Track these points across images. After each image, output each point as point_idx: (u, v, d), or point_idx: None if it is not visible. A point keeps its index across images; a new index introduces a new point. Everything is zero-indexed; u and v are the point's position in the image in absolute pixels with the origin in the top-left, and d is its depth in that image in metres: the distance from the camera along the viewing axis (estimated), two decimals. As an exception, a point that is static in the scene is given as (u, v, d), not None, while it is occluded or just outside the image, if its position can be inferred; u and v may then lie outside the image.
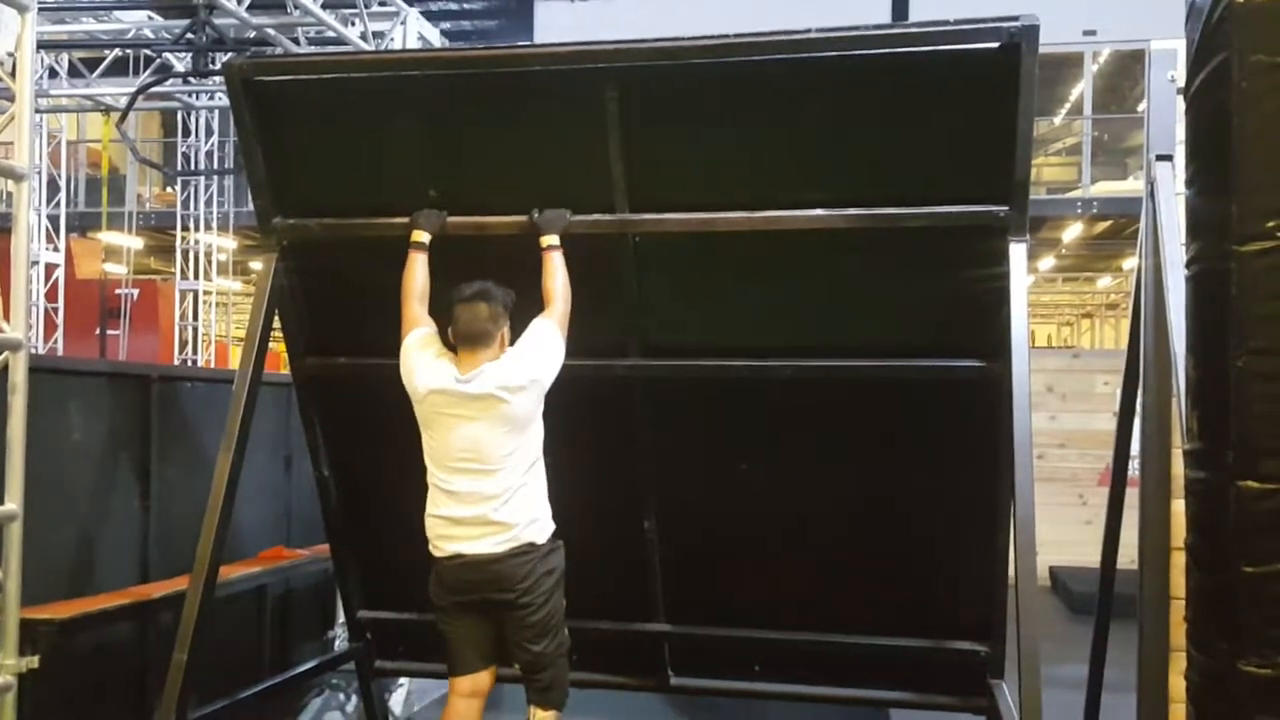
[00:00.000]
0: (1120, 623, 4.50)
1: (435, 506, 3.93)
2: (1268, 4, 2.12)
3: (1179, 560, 3.45)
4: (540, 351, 3.90)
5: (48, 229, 13.69)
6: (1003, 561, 4.30)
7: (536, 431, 3.93)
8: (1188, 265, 2.40)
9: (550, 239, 4.08)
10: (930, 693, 4.75)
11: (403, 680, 6.02)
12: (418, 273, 4.14)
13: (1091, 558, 4.71)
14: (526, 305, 4.00)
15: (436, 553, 3.94)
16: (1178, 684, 3.56)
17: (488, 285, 3.92)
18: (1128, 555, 4.40)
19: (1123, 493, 4.58)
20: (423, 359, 3.92)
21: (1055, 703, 4.86)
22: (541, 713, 3.95)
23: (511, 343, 3.94)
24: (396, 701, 6.04)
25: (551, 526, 3.96)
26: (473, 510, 3.83)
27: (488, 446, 3.82)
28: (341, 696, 5.92)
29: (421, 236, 4.18)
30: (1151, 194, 4.12)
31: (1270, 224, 2.12)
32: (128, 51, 11.84)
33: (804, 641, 4.75)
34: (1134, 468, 4.49)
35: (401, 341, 4.03)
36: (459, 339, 3.89)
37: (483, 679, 4.01)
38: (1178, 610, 3.73)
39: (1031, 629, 3.61)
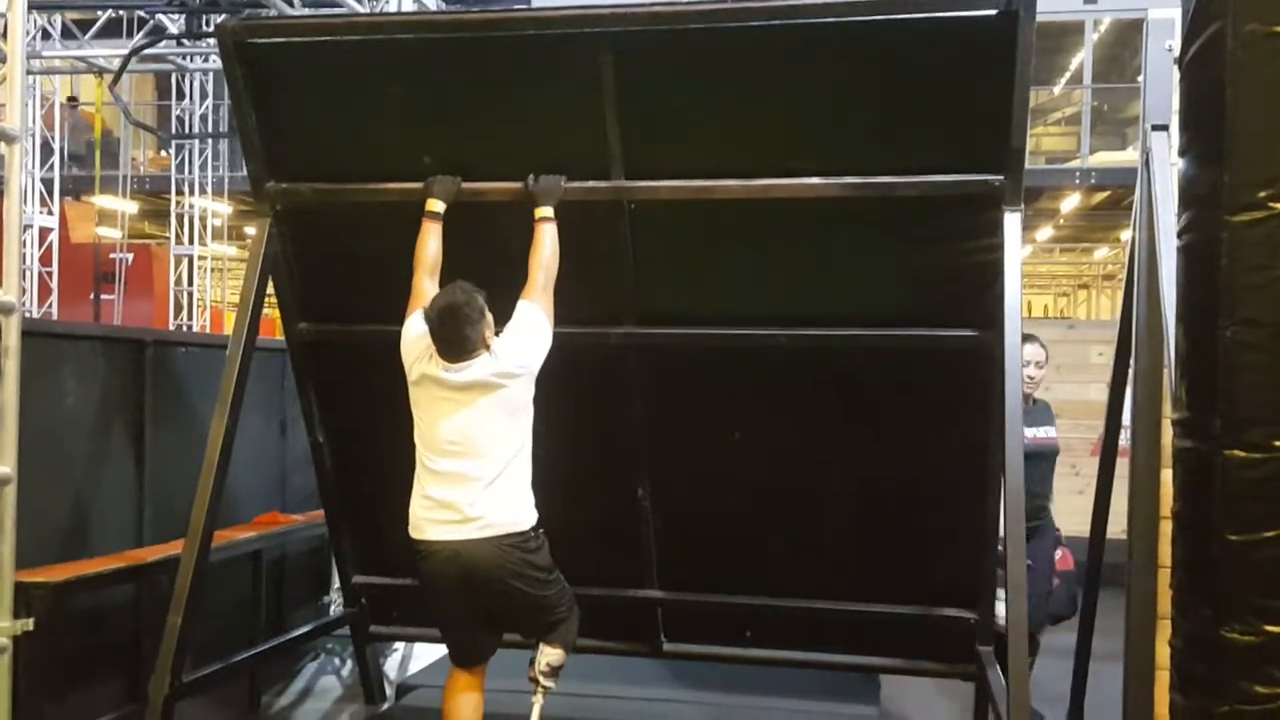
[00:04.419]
0: (1111, 591, 4.53)
1: (422, 487, 3.87)
2: (1263, -28, 2.11)
3: (1168, 529, 3.47)
4: (530, 339, 3.86)
5: (41, 193, 13.62)
6: (993, 529, 4.33)
7: (527, 419, 3.89)
8: (1180, 235, 2.39)
9: (544, 211, 4.06)
10: (920, 659, 4.80)
11: (397, 645, 6.06)
12: (430, 244, 4.06)
13: (1085, 527, 4.73)
14: (517, 275, 3.98)
15: (417, 535, 3.85)
16: (1164, 651, 3.58)
17: (455, 299, 3.72)
18: (1120, 525, 4.42)
19: (1113, 463, 4.60)
20: (422, 341, 3.84)
21: (1043, 670, 4.91)
22: (550, 649, 3.99)
23: (497, 324, 3.85)
24: (391, 666, 6.08)
25: (535, 515, 3.88)
26: (458, 492, 3.77)
27: (477, 434, 3.78)
28: (336, 661, 5.97)
29: (436, 205, 4.11)
30: (1147, 164, 4.11)
31: (1262, 194, 2.12)
32: (120, 13, 11.72)
33: (795, 608, 4.78)
34: (1126, 437, 4.51)
35: (407, 314, 3.96)
36: (447, 358, 3.76)
37: (484, 659, 4.05)
38: (1165, 578, 3.75)
39: (1020, 597, 3.64)
